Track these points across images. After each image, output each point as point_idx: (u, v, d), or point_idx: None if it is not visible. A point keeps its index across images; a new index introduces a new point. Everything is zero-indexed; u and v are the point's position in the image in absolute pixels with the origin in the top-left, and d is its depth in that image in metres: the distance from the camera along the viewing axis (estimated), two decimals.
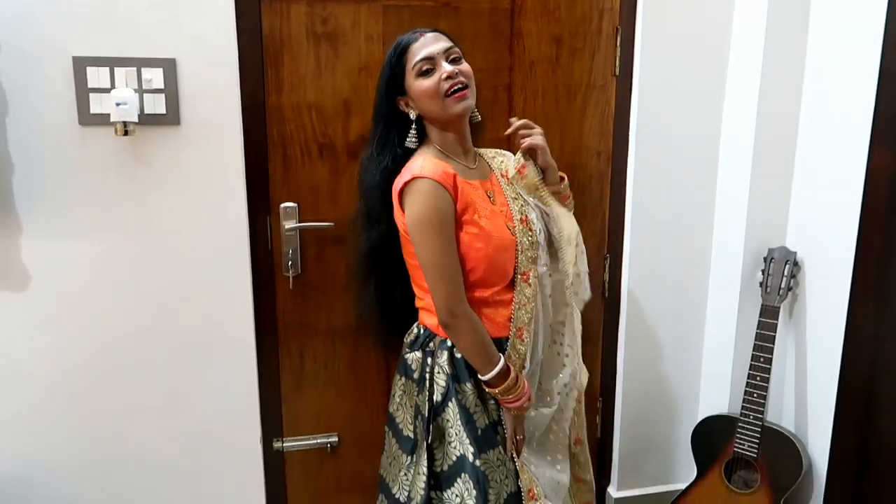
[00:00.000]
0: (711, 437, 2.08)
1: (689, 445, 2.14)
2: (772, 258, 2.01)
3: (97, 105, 1.68)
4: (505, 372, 1.45)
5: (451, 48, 1.46)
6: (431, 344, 1.53)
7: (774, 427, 1.99)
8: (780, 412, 2.10)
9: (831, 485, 1.75)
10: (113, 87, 1.67)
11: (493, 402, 1.52)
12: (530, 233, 1.50)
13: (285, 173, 1.88)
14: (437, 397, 1.51)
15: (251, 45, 1.78)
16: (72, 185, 1.72)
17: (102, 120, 1.68)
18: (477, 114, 1.56)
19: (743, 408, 1.98)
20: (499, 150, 1.67)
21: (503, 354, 1.47)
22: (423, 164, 1.43)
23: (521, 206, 1.53)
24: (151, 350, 1.85)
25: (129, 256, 1.79)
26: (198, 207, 1.80)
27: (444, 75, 1.42)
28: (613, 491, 2.31)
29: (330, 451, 2.08)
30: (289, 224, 1.89)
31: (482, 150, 1.65)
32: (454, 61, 1.45)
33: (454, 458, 1.50)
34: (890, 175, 1.65)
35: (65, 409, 1.83)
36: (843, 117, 1.84)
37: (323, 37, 1.83)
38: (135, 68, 1.68)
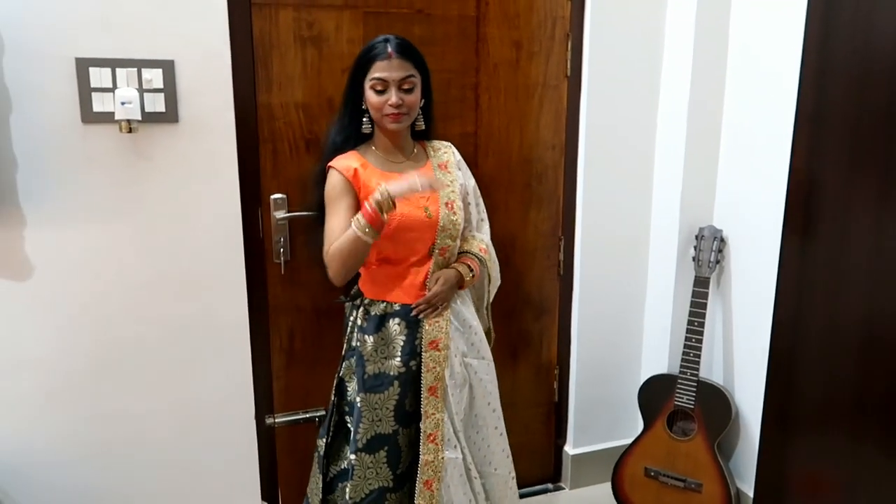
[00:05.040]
0: (654, 394, 2.38)
1: (636, 403, 2.44)
2: (702, 235, 2.31)
3: (99, 104, 1.76)
4: (366, 216, 1.62)
5: (407, 78, 1.69)
6: (358, 300, 1.86)
7: (707, 381, 2.30)
8: (711, 368, 2.42)
9: (765, 431, 2.05)
10: (115, 86, 1.76)
11: (389, 360, 1.78)
12: (454, 215, 1.79)
13: (275, 167, 2.02)
14: (351, 342, 1.85)
15: (243, 48, 1.91)
16: (73, 180, 1.80)
17: (104, 118, 1.76)
18: (420, 122, 1.81)
19: (681, 366, 2.28)
20: (444, 143, 1.93)
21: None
22: (341, 158, 1.76)
23: (450, 192, 1.81)
24: (151, 335, 1.94)
25: (129, 246, 1.88)
26: (195, 200, 1.91)
27: (390, 102, 1.68)
28: (570, 449, 2.57)
29: (318, 424, 2.21)
30: (279, 214, 2.04)
31: (434, 142, 1.92)
32: (407, 90, 1.69)
33: (350, 396, 1.84)
34: (807, 169, 1.88)
35: (67, 394, 1.90)
36: (760, 118, 2.16)
37: (309, 40, 1.98)
38: (135, 69, 1.78)
